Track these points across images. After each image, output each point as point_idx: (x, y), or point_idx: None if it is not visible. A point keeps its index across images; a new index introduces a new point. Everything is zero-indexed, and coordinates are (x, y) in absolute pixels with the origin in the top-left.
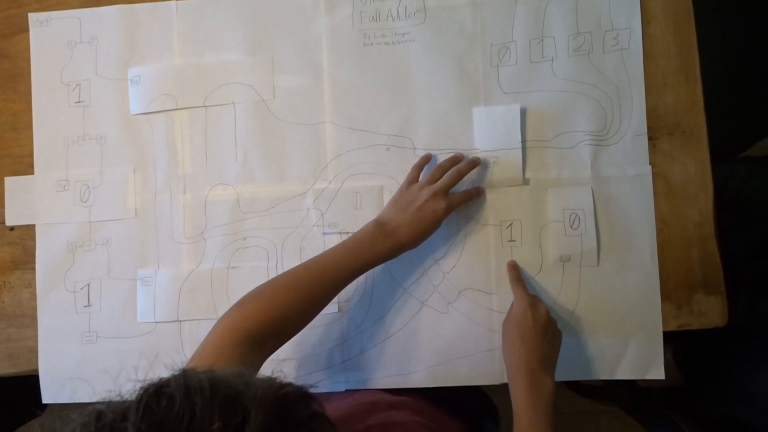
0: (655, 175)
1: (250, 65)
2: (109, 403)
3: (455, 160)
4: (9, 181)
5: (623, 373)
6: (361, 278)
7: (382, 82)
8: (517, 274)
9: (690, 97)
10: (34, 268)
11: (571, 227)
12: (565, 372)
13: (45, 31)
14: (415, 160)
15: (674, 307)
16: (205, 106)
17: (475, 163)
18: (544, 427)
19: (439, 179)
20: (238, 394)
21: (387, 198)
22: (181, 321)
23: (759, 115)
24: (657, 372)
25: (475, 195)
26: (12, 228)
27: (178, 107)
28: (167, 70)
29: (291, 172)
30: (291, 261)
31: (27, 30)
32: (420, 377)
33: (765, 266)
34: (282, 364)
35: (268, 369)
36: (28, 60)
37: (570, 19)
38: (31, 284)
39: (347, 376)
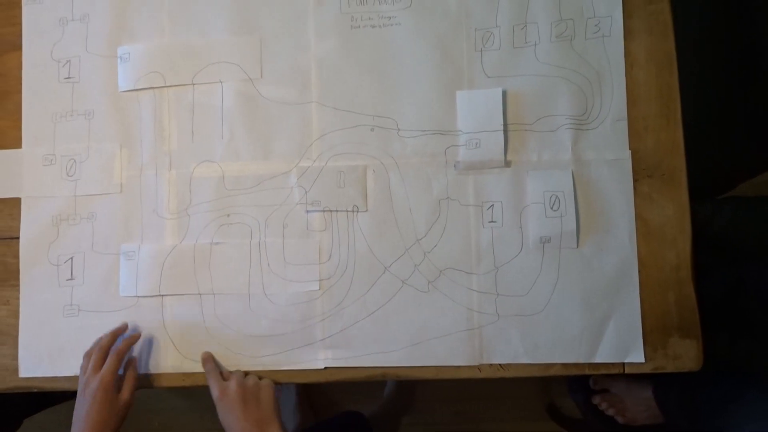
0: (636, 216)
1: (239, 45)
2: None
3: (115, 334)
4: None
5: (603, 357)
6: (343, 256)
7: (368, 65)
8: (210, 366)
9: (670, 141)
10: (13, 285)
11: (552, 209)
12: (545, 355)
13: (38, 8)
14: (398, 141)
15: (650, 349)
16: (193, 84)
17: (134, 338)
18: None
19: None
20: None
21: (370, 177)
22: (163, 295)
23: (744, 155)
24: (637, 356)
25: (125, 347)
26: None
27: (166, 85)
28: (156, 48)
29: (276, 151)
30: (274, 238)
31: (19, 49)
32: (399, 356)
33: (743, 306)
34: (263, 340)
35: (249, 344)
36: (18, 78)
37: (553, 6)
38: (9, 302)
39: (326, 354)
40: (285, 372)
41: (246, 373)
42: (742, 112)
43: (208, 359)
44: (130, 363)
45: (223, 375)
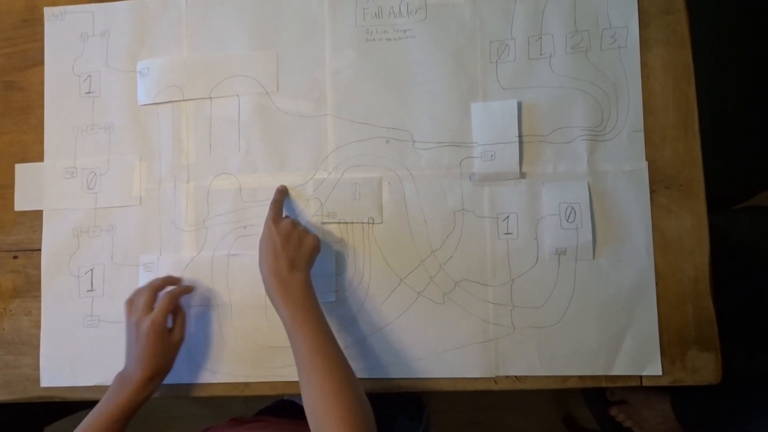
0: (653, 228)
1: (255, 59)
2: None
3: (166, 281)
4: (19, 168)
5: (620, 369)
6: (358, 268)
7: (383, 77)
8: (277, 197)
9: (688, 152)
10: (35, 296)
11: (567, 221)
12: (562, 368)
13: (59, 24)
14: (413, 153)
15: (668, 362)
16: (211, 98)
17: (189, 289)
18: (302, 313)
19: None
20: None
21: (385, 189)
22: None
23: (762, 165)
24: (654, 368)
25: (180, 293)
26: (16, 256)
27: (185, 98)
28: (175, 63)
29: (292, 163)
30: None
31: (41, 64)
32: (414, 368)
33: (762, 316)
34: (279, 352)
35: (265, 355)
36: (41, 93)
37: (568, 18)
38: (31, 312)
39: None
40: (299, 384)
41: None
42: (759, 121)
43: (283, 190)
44: (178, 306)
45: None
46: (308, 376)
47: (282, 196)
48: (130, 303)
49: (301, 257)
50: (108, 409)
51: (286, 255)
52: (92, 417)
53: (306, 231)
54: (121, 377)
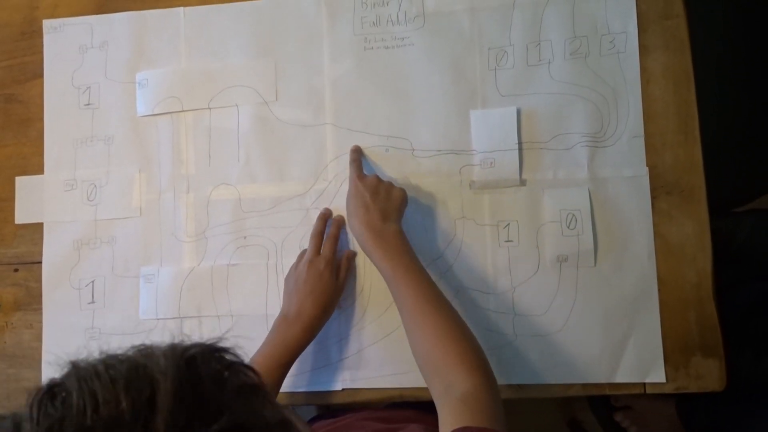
0: (655, 234)
1: (254, 69)
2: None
3: (323, 219)
4: (19, 181)
5: (623, 377)
6: (360, 277)
7: (382, 85)
8: (354, 156)
9: (689, 157)
10: (36, 310)
11: (568, 228)
12: (564, 376)
13: (58, 37)
14: (413, 162)
15: (671, 369)
16: (210, 108)
17: (342, 221)
18: (403, 262)
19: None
20: (141, 366)
21: None
22: (182, 318)
23: (764, 168)
24: (658, 375)
25: (337, 231)
26: (16, 269)
27: (184, 109)
28: (174, 74)
29: (292, 173)
30: (290, 259)
31: (41, 76)
32: (416, 377)
33: (767, 320)
34: None
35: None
36: (40, 105)
37: (567, 24)
38: (32, 326)
39: (344, 375)
40: (303, 393)
41: None
42: (760, 125)
43: (358, 149)
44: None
45: None
46: (418, 321)
47: (359, 154)
48: (299, 257)
49: (391, 208)
50: (272, 352)
51: (377, 207)
52: (259, 363)
53: (392, 184)
54: (284, 319)
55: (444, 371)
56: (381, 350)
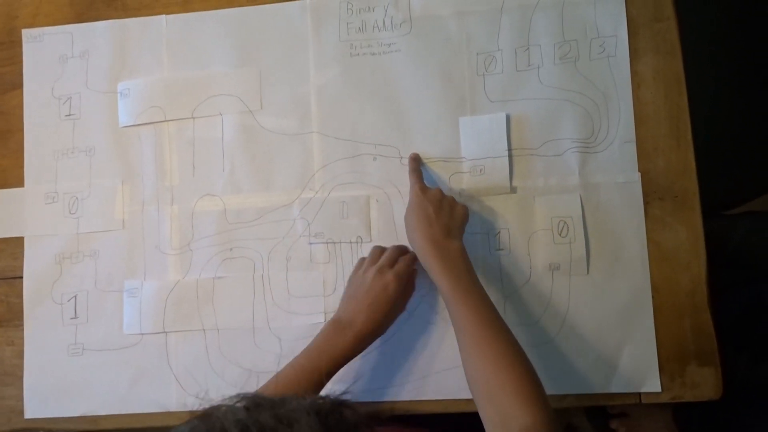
0: (648, 240)
1: (238, 77)
2: None
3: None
4: None
5: (618, 387)
6: None
7: (369, 92)
8: (414, 165)
9: (681, 162)
10: (17, 326)
11: (560, 235)
12: (558, 386)
13: (38, 46)
14: (401, 170)
15: (667, 378)
16: (193, 118)
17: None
18: (464, 282)
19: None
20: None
21: (374, 207)
22: (167, 332)
23: (758, 170)
24: (653, 385)
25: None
26: None
27: (167, 119)
28: (156, 83)
29: (277, 182)
30: (277, 271)
31: (20, 87)
32: (407, 390)
33: (763, 324)
34: (268, 377)
35: (254, 380)
36: (20, 116)
37: (556, 28)
38: (14, 342)
39: (334, 388)
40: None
41: None
42: (752, 127)
43: (417, 158)
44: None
45: None
46: (477, 346)
47: (418, 163)
48: (359, 262)
49: (454, 225)
50: (318, 357)
51: (441, 222)
52: (293, 369)
53: (454, 199)
54: (337, 323)
55: (499, 400)
56: (371, 362)
